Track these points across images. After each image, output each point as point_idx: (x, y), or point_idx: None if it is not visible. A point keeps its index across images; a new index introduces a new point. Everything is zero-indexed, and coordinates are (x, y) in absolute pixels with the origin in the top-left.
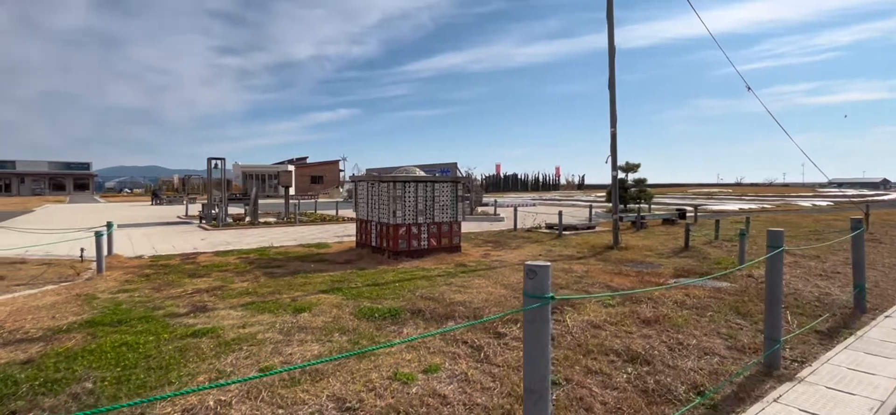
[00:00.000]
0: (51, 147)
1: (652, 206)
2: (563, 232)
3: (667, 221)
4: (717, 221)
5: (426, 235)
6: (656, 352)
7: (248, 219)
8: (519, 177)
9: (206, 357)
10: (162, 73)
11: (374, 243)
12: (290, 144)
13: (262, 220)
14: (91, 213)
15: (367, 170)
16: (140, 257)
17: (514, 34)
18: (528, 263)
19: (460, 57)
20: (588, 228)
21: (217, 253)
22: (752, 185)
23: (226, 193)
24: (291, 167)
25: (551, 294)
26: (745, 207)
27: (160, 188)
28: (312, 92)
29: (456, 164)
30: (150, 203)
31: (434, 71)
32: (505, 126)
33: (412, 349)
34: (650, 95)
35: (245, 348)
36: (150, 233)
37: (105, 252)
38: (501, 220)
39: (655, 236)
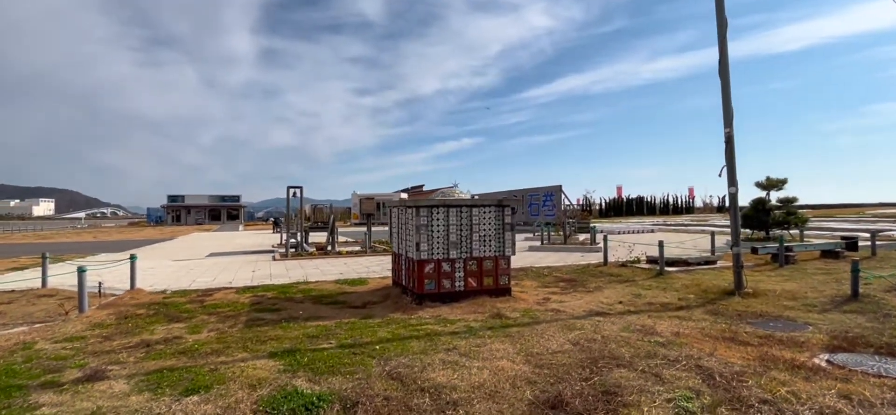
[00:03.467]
0: (224, 183)
1: (804, 232)
2: (667, 268)
3: (827, 254)
4: None
5: (461, 274)
6: None
7: (329, 248)
8: (644, 200)
9: None
10: (310, 116)
11: (404, 282)
12: (416, 173)
13: (346, 249)
14: (213, 240)
15: (408, 193)
16: (163, 292)
17: (640, 51)
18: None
19: (581, 79)
20: (706, 263)
21: (243, 289)
22: None
23: (303, 222)
24: (404, 195)
25: None
26: None
27: (279, 218)
28: (438, 123)
29: (560, 187)
30: (271, 231)
31: (554, 95)
32: (629, 147)
33: None
34: (808, 103)
35: None
36: (221, 263)
37: (97, 288)
38: (598, 250)
39: (806, 277)
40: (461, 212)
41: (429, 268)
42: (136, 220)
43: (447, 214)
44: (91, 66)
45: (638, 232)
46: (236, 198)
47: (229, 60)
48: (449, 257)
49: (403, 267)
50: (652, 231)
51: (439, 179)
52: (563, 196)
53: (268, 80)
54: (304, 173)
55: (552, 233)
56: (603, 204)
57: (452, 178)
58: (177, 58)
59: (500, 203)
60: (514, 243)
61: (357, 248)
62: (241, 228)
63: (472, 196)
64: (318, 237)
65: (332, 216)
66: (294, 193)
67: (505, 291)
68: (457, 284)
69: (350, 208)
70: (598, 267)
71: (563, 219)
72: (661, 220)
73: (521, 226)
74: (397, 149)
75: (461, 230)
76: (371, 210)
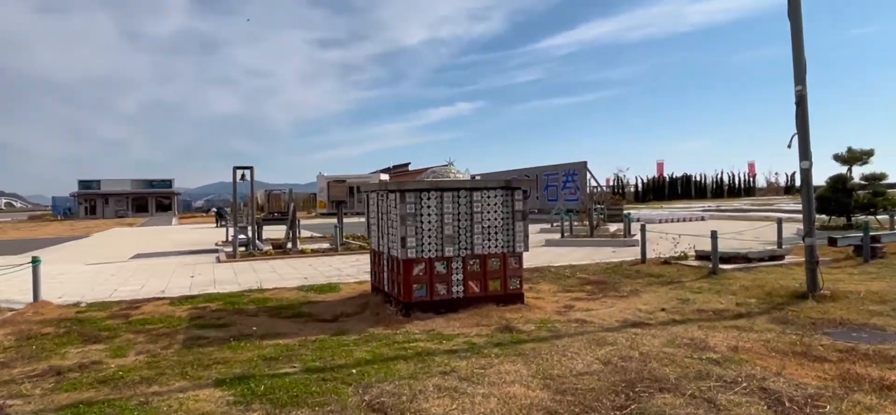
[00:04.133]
0: (152, 163)
1: None
2: (722, 265)
3: None
4: None
5: (460, 277)
6: None
7: (289, 245)
8: (692, 179)
9: None
10: (261, 76)
11: (386, 288)
12: (399, 149)
13: (310, 247)
14: (139, 237)
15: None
16: (76, 305)
17: None
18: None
19: (610, 24)
20: (771, 258)
21: (179, 300)
22: None
23: (254, 212)
24: (384, 176)
25: None
26: None
27: (224, 208)
28: (426, 83)
29: (585, 164)
30: (215, 225)
31: (575, 46)
32: (673, 112)
33: None
34: None
35: None
36: (150, 267)
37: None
38: (634, 243)
39: None
40: (459, 197)
41: (418, 269)
42: (39, 212)
43: (441, 199)
44: None
45: (684, 220)
46: (168, 183)
47: (155, 5)
48: (444, 255)
49: (385, 269)
50: (702, 219)
51: (430, 155)
52: (588, 176)
53: (205, 29)
54: (255, 150)
55: (575, 222)
56: (639, 185)
57: (446, 154)
58: (88, 2)
59: (509, 185)
60: (527, 237)
61: (325, 245)
62: (174, 221)
63: (473, 177)
64: (275, 232)
65: (292, 205)
66: (242, 176)
67: (516, 298)
68: (454, 289)
69: (315, 195)
70: (635, 265)
71: (590, 205)
72: (713, 204)
73: (536, 214)
74: (375, 117)
75: (459, 221)
76: (342, 197)
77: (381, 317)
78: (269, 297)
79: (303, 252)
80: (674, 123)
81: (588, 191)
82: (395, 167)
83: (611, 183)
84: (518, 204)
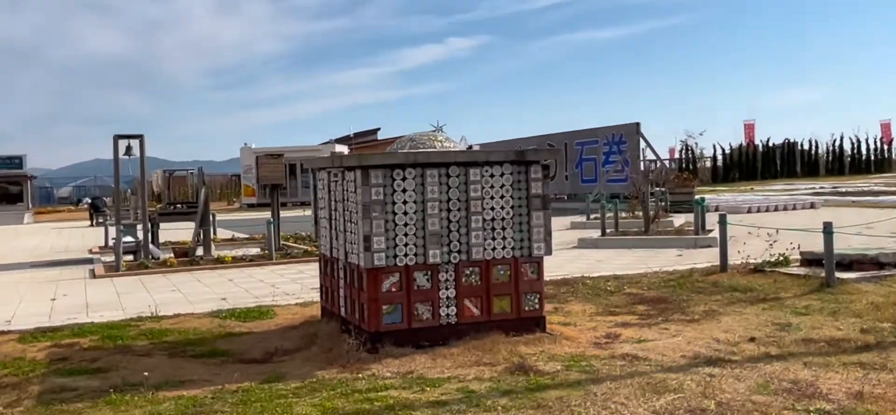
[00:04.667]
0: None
1: None
2: (840, 274)
3: None
4: None
5: (451, 293)
6: None
7: (200, 251)
8: (797, 149)
9: None
10: (154, 0)
11: (343, 312)
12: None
13: (230, 253)
14: None
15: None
16: None
17: None
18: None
19: None
20: None
21: (34, 334)
22: None
23: (146, 203)
24: (341, 148)
25: None
26: None
27: (101, 198)
28: (402, 10)
29: (637, 127)
30: (89, 223)
31: None
32: (768, 51)
33: None
34: None
35: None
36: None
37: None
38: (710, 243)
39: None
40: (448, 176)
41: (389, 283)
42: None
43: (422, 179)
44: None
45: (785, 208)
46: (16, 161)
47: None
48: (427, 263)
49: (341, 283)
50: (811, 206)
51: (409, 118)
52: (642, 144)
53: None
54: (148, 112)
55: (623, 213)
56: (719, 158)
57: (433, 116)
58: None
59: (522, 159)
60: (549, 234)
61: (254, 250)
62: (28, 217)
63: (470, 147)
64: (179, 232)
65: (203, 192)
66: (129, 150)
67: (533, 323)
68: (443, 311)
69: (239, 177)
70: (711, 275)
71: (644, 187)
72: (827, 184)
73: (565, 201)
74: (326, 61)
75: (449, 211)
76: (278, 179)
77: (336, 354)
78: (170, 327)
79: (220, 261)
80: (769, 67)
81: (642, 167)
82: (357, 136)
83: (676, 155)
84: (536, 186)
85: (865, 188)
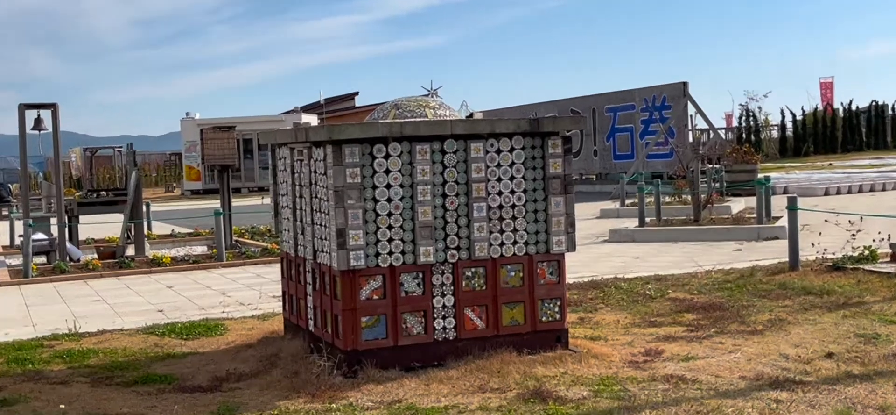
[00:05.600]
0: None
1: None
2: None
3: None
4: None
5: (449, 303)
6: None
7: (130, 251)
8: (887, 111)
9: None
10: None
11: (311, 326)
12: (337, 67)
13: (169, 253)
14: None
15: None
16: None
17: None
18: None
19: None
20: None
21: None
22: None
23: (61, 188)
24: (309, 118)
25: None
26: None
27: (4, 184)
28: None
29: (684, 87)
30: None
31: None
32: None
33: None
34: None
35: None
36: None
37: None
38: (776, 234)
39: None
40: (443, 152)
41: (371, 289)
42: None
43: (411, 156)
44: None
45: (871, 189)
46: None
47: None
48: (418, 262)
49: (310, 290)
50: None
51: (395, 81)
52: (689, 109)
53: None
54: (63, 75)
55: (666, 196)
56: (787, 126)
57: (426, 77)
58: None
59: (537, 129)
60: (573, 225)
61: (199, 248)
62: None
63: (472, 115)
64: (105, 226)
65: (133, 176)
66: (38, 122)
67: (553, 338)
68: (438, 324)
69: (179, 157)
70: (777, 274)
71: (694, 164)
72: None
73: (593, 183)
74: (288, 7)
75: (444, 196)
76: (228, 157)
77: (303, 380)
78: (93, 348)
79: (156, 263)
80: (852, 8)
81: (690, 138)
82: (328, 103)
83: (734, 123)
84: (556, 164)
85: None
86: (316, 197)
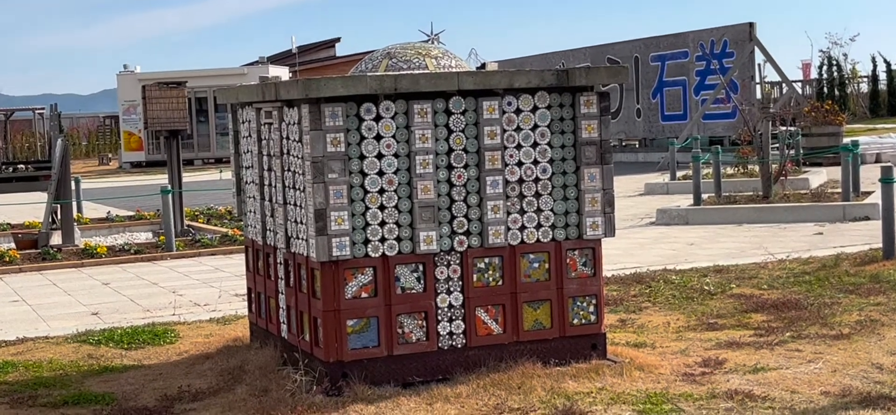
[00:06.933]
0: None
1: None
2: None
3: None
4: None
5: (457, 302)
6: None
7: (56, 239)
8: None
9: None
10: None
11: (283, 330)
12: (315, 7)
13: (103, 242)
14: None
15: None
16: None
17: None
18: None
19: None
20: None
21: None
22: None
23: None
24: (279, 70)
25: None
26: None
27: None
28: None
29: (751, 28)
30: None
31: None
32: None
33: None
34: None
35: None
36: None
37: None
38: (866, 213)
39: None
40: (448, 113)
41: (359, 285)
42: None
43: (407, 118)
44: None
45: None
46: None
47: None
48: (417, 251)
49: (282, 286)
50: None
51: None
52: (757, 56)
53: None
54: None
55: (727, 167)
56: (880, 78)
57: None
58: None
59: (566, 81)
60: (611, 204)
61: (143, 234)
62: None
63: (483, 66)
64: (24, 209)
65: (60, 145)
66: None
67: (588, 345)
68: (443, 329)
69: (116, 120)
70: (866, 264)
71: (762, 126)
72: None
73: (636, 150)
74: None
75: (451, 168)
76: (177, 121)
77: (275, 399)
78: (11, 360)
79: (89, 254)
80: None
81: (759, 94)
82: (303, 50)
83: (813, 74)
84: (589, 126)
85: None
86: (289, 170)
